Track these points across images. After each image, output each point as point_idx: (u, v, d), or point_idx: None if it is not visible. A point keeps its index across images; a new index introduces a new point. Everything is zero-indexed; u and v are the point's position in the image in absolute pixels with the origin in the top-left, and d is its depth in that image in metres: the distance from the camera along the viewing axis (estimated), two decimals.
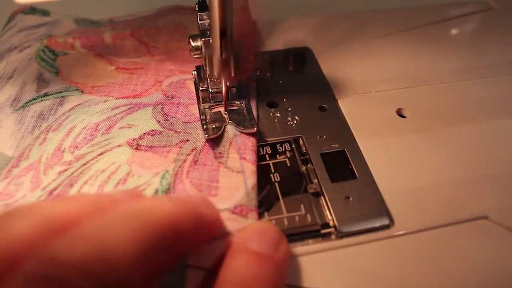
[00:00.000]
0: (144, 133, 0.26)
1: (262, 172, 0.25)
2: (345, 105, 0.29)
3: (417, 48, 0.35)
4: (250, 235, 0.20)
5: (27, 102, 0.29)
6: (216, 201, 0.23)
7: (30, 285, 0.13)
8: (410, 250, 0.22)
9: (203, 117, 0.27)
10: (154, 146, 0.25)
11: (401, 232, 0.22)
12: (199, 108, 0.28)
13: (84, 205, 0.17)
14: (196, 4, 0.27)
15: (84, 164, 0.24)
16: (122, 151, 0.25)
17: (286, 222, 0.23)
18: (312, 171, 0.25)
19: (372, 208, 0.23)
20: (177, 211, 0.17)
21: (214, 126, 0.26)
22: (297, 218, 0.23)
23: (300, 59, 0.33)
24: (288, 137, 0.27)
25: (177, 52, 0.33)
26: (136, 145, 0.25)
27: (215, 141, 0.26)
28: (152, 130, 0.26)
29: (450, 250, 0.22)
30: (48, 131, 0.27)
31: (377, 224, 0.22)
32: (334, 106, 0.29)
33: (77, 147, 0.26)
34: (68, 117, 0.27)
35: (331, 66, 0.32)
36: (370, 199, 0.23)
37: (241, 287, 0.17)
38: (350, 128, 0.27)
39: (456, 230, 0.22)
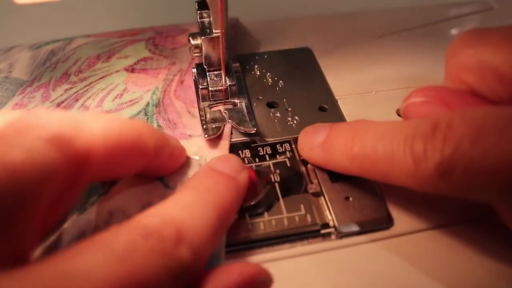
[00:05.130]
0: (138, 60, 0.31)
1: (262, 172, 0.25)
2: (345, 105, 0.29)
3: (417, 48, 0.34)
4: (215, 160, 0.22)
5: (41, 45, 0.34)
6: (197, 112, 0.28)
7: None
8: (410, 250, 0.22)
9: (202, 115, 0.27)
10: (146, 69, 0.30)
11: (401, 232, 0.22)
12: (198, 106, 0.28)
13: None
14: (196, 2, 0.27)
15: (88, 85, 0.29)
16: (120, 74, 0.30)
17: (286, 222, 0.23)
18: (312, 171, 0.25)
19: (372, 208, 0.23)
20: (141, 123, 0.21)
21: (214, 126, 0.26)
22: (297, 218, 0.23)
23: (300, 59, 0.33)
24: (288, 137, 0.27)
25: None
26: (131, 69, 0.30)
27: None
28: (145, 57, 0.31)
29: (450, 250, 0.22)
30: (57, 62, 0.32)
31: (377, 224, 0.22)
32: (334, 106, 0.29)
33: (81, 71, 0.31)
34: (74, 52, 0.33)
35: (331, 66, 0.32)
36: (370, 199, 0.23)
37: (202, 193, 0.19)
38: None
39: (456, 231, 0.22)
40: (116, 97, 0.28)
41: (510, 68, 0.20)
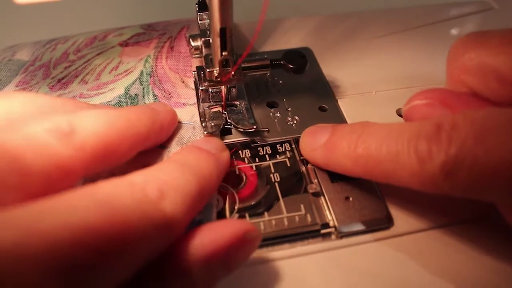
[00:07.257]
0: (132, 35, 0.33)
1: (262, 172, 0.25)
2: (345, 105, 0.29)
3: (417, 48, 0.34)
4: (198, 140, 0.24)
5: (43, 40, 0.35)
6: (190, 81, 0.29)
7: None
8: (410, 250, 0.22)
9: (202, 115, 0.27)
10: (139, 41, 0.32)
11: (401, 232, 0.22)
12: (198, 108, 0.28)
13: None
14: (196, 4, 0.27)
15: (86, 62, 0.31)
16: (115, 49, 0.32)
17: (286, 222, 0.23)
18: (312, 171, 0.25)
19: (372, 208, 0.23)
20: (128, 111, 0.22)
21: (213, 124, 0.27)
22: (297, 218, 0.23)
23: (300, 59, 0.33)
24: (288, 137, 0.27)
25: None
26: (125, 44, 0.32)
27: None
28: (138, 33, 0.33)
29: (450, 250, 0.22)
30: (57, 44, 0.33)
31: (377, 224, 0.23)
32: (334, 106, 0.29)
33: (79, 50, 0.32)
34: (73, 35, 0.34)
35: (331, 66, 0.32)
36: (370, 199, 0.23)
37: (183, 162, 0.20)
38: None
39: (456, 231, 0.22)
40: (112, 69, 0.30)
41: (511, 70, 0.20)
